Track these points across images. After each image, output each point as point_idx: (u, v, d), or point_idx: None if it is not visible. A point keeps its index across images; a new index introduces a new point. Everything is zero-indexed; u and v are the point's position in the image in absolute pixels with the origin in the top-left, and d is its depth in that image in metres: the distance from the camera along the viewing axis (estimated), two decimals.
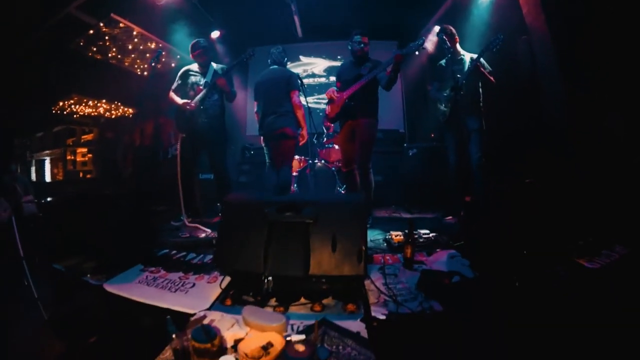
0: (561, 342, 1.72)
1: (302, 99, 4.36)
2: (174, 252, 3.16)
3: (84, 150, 9.48)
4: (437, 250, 3.00)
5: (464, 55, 4.14)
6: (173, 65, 6.78)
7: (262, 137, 4.39)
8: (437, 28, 6.45)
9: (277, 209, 2.11)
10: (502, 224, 2.66)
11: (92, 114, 8.50)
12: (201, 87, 4.17)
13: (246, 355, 1.45)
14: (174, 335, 1.44)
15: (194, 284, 2.42)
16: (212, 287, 2.34)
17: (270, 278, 2.04)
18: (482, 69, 3.92)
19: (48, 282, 2.71)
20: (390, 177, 5.25)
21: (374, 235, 3.53)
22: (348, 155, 4.18)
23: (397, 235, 3.26)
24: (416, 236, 3.25)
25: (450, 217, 4.25)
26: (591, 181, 3.24)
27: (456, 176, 4.28)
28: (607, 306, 1.97)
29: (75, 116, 8.16)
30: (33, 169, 8.41)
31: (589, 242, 2.68)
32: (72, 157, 9.41)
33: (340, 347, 1.58)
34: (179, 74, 4.32)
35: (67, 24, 5.08)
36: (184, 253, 3.12)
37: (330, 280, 2.04)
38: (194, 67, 4.31)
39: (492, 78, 3.99)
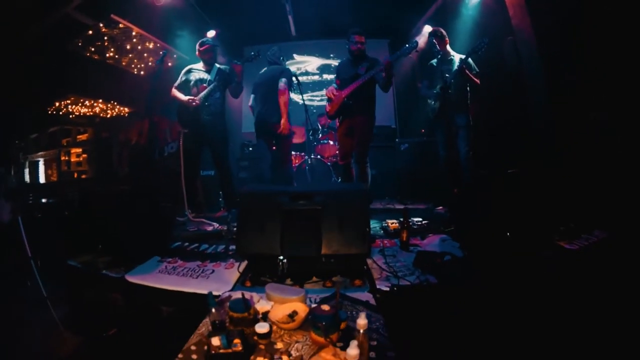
0: (540, 312, 2.02)
1: (294, 95, 4.64)
2: (187, 244, 3.29)
3: (79, 150, 9.37)
4: (430, 235, 3.30)
5: (453, 56, 4.41)
6: (170, 64, 6.91)
7: (255, 132, 4.60)
8: (428, 28, 6.79)
9: (290, 197, 2.37)
10: (488, 210, 2.88)
11: (88, 113, 8.49)
12: (205, 85, 4.28)
13: (277, 321, 1.72)
14: (213, 309, 1.62)
15: (213, 271, 2.61)
16: (230, 272, 2.57)
17: (285, 260, 2.29)
18: (467, 71, 4.19)
19: (57, 281, 2.86)
20: (384, 171, 5.52)
21: (371, 225, 3.77)
22: (345, 150, 4.44)
23: (392, 223, 3.56)
24: (410, 223, 3.48)
25: (440, 208, 4.52)
26: (572, 171, 3.50)
27: (446, 169, 4.57)
28: (584, 282, 2.26)
29: (71, 116, 8.15)
30: (27, 170, 8.43)
31: (570, 228, 2.91)
32: (67, 158, 9.28)
33: (354, 312, 1.85)
34: (183, 71, 4.44)
35: (65, 24, 5.14)
36: (196, 245, 3.26)
37: (339, 259, 2.29)
38: (199, 65, 4.43)
39: (477, 80, 4.27)
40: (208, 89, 4.27)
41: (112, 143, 8.05)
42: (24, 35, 4.68)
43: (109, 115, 8.73)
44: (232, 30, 7.10)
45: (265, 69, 4.72)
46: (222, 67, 4.44)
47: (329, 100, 4.44)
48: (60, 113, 7.98)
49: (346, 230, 2.27)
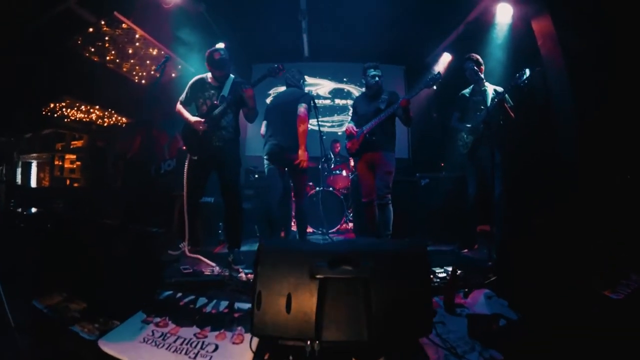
0: None
1: (313, 121, 4.01)
2: (180, 295, 2.54)
3: (73, 157, 8.81)
4: (473, 290, 2.68)
5: (487, 87, 3.88)
6: (173, 75, 6.29)
7: (265, 159, 3.87)
8: (447, 56, 6.30)
9: (330, 261, 1.71)
10: (535, 260, 2.55)
11: (84, 119, 7.93)
12: (217, 102, 3.47)
13: None
14: None
15: (216, 346, 1.89)
16: (240, 351, 1.85)
17: (317, 342, 1.64)
18: (505, 105, 3.69)
19: (25, 321, 2.07)
20: (402, 208, 4.84)
21: None
22: (368, 186, 3.99)
23: None
24: (444, 274, 2.95)
25: (466, 250, 4.01)
26: (599, 214, 3.04)
27: (474, 209, 4.01)
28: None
29: (65, 120, 7.59)
30: (19, 170, 7.79)
31: (607, 273, 2.52)
32: (60, 163, 8.76)
33: None
34: (190, 84, 3.60)
35: (66, 19, 4.59)
36: (192, 297, 2.50)
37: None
38: (209, 77, 3.58)
39: (512, 113, 3.76)
40: (220, 108, 3.46)
41: (107, 153, 7.46)
42: (22, 27, 4.21)
43: (105, 124, 8.04)
44: (241, 45, 6.52)
45: (281, 91, 4.14)
46: (238, 79, 3.63)
47: (349, 137, 4.05)
48: (55, 115, 7.45)
49: (403, 306, 1.64)
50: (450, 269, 2.98)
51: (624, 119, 3.44)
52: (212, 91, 3.54)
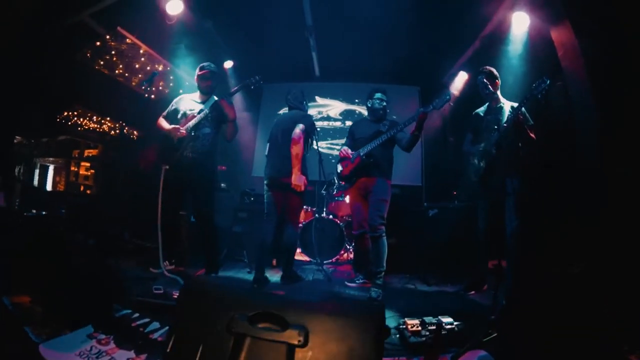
0: None
1: (313, 142, 3.78)
2: (136, 315, 2.43)
3: (87, 164, 8.99)
4: (465, 353, 2.09)
5: (503, 104, 3.41)
6: (181, 91, 6.23)
7: (265, 183, 3.72)
8: (463, 75, 5.84)
9: (251, 316, 1.29)
10: (551, 322, 2.05)
11: (97, 129, 8.05)
12: (194, 115, 3.46)
13: None
14: None
15: None
16: None
17: None
18: (521, 121, 3.16)
19: None
20: (406, 240, 4.39)
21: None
22: (360, 215, 3.61)
23: (413, 327, 2.38)
24: (434, 326, 2.37)
25: (473, 292, 3.49)
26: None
27: (484, 245, 3.49)
28: None
29: (79, 128, 7.69)
30: (37, 172, 7.92)
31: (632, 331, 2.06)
32: (76, 169, 8.98)
33: None
34: (175, 99, 3.66)
35: (79, 30, 4.61)
36: (146, 320, 2.38)
37: None
38: (194, 95, 3.64)
39: (532, 134, 3.23)
40: (196, 118, 3.43)
41: (119, 164, 7.42)
42: (37, 34, 4.16)
43: (118, 136, 8.10)
44: (250, 64, 6.28)
45: (283, 114, 4.01)
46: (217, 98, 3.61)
47: (344, 159, 3.75)
48: (70, 123, 7.53)
49: None
50: (445, 320, 2.47)
51: None
52: (193, 106, 3.55)
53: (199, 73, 3.56)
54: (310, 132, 3.64)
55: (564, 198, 3.70)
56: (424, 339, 2.28)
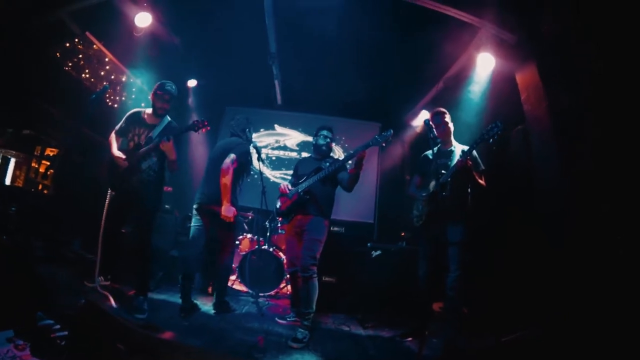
0: None
1: (270, 171, 3.72)
2: (58, 326, 2.26)
3: (48, 163, 8.59)
4: None
5: (454, 148, 3.32)
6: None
7: (194, 208, 3.59)
8: (425, 114, 5.78)
9: None
10: None
11: (60, 129, 7.69)
12: (142, 143, 3.30)
13: None
14: None
15: None
16: None
17: None
18: (470, 166, 3.03)
19: None
20: (347, 280, 4.26)
21: None
22: (293, 253, 3.47)
23: None
24: None
25: (410, 338, 3.32)
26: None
27: (424, 293, 3.33)
28: None
29: (43, 125, 7.42)
30: None
31: None
32: (37, 166, 8.56)
33: None
34: (126, 115, 3.45)
35: (56, 28, 4.49)
36: (65, 333, 2.21)
37: None
38: (147, 114, 3.42)
39: (482, 181, 3.13)
40: (143, 150, 3.25)
41: (79, 169, 7.02)
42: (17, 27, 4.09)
43: (80, 140, 7.74)
44: (214, 85, 6.24)
45: (222, 140, 3.89)
46: (172, 124, 3.43)
47: (282, 194, 3.61)
48: (35, 118, 7.19)
49: None
50: None
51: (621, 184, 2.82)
52: (144, 128, 3.37)
53: (158, 92, 3.34)
54: (244, 162, 3.53)
55: (512, 249, 3.59)
56: None
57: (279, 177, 6.93)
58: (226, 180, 3.34)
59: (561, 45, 3.33)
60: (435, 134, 3.19)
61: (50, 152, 8.48)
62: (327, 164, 3.40)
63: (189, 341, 2.61)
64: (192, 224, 3.54)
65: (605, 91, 2.94)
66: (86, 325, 1.28)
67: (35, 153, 8.37)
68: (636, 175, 2.67)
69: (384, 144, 3.09)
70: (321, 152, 3.61)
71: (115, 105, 6.25)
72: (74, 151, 7.77)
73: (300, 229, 3.40)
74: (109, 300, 3.07)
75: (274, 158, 7.01)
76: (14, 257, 2.54)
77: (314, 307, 3.14)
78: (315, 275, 3.19)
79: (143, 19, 4.45)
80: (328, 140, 3.60)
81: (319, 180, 3.34)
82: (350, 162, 3.29)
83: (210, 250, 3.59)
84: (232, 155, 3.41)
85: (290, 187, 3.57)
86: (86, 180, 6.62)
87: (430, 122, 3.14)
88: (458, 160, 3.04)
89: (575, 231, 3.01)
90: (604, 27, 2.94)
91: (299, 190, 3.41)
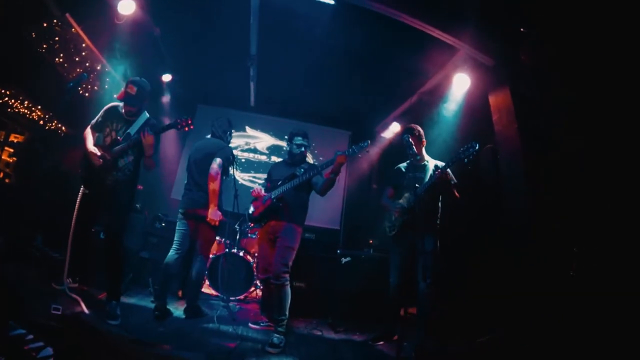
0: None
1: (239, 173, 3.67)
2: (31, 337, 2.06)
3: (11, 150, 8.03)
4: None
5: (427, 162, 3.45)
6: (115, 96, 5.88)
7: (180, 212, 3.56)
8: (396, 126, 5.94)
9: None
10: None
11: (27, 115, 7.21)
12: (120, 139, 3.12)
13: None
14: None
15: None
16: None
17: None
18: (448, 179, 3.20)
19: None
20: (317, 285, 4.33)
21: None
22: (266, 260, 3.43)
23: None
24: None
25: (381, 342, 3.45)
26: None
27: (394, 299, 3.45)
28: None
29: (8, 109, 6.93)
30: None
31: None
32: None
33: None
34: (104, 109, 3.26)
35: (34, 6, 4.28)
36: (40, 344, 2.02)
37: None
38: (122, 108, 3.24)
39: (457, 193, 3.28)
40: (120, 147, 3.10)
41: (43, 160, 6.69)
42: None
43: (47, 127, 7.30)
44: (188, 81, 6.12)
45: (202, 140, 3.80)
46: (151, 121, 3.26)
47: (255, 199, 3.57)
48: (0, 101, 6.66)
49: None
50: None
51: (578, 201, 3.14)
52: (121, 124, 3.20)
53: (130, 89, 3.12)
54: (227, 166, 3.56)
55: (481, 260, 3.80)
56: None
57: (248, 180, 6.93)
58: (215, 185, 3.39)
59: (536, 73, 3.55)
60: (415, 151, 3.32)
61: (14, 137, 7.97)
62: (302, 170, 3.39)
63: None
64: (178, 228, 3.50)
65: (576, 119, 3.19)
66: (71, 343, 1.20)
67: None
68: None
69: (359, 155, 3.19)
70: (295, 159, 3.57)
71: (87, 94, 5.95)
72: (35, 137, 7.37)
73: (274, 235, 3.39)
74: (80, 305, 2.90)
75: (243, 160, 6.94)
76: None
77: (287, 313, 3.16)
78: (288, 282, 3.20)
79: (126, 7, 4.24)
80: (302, 148, 3.55)
81: (292, 187, 3.33)
82: (326, 168, 3.28)
83: (190, 254, 3.56)
84: (219, 160, 3.42)
85: (263, 192, 3.53)
86: (49, 171, 6.32)
87: (410, 138, 3.33)
88: (438, 171, 3.15)
89: (534, 246, 3.26)
90: (579, 59, 3.17)
91: (272, 197, 3.38)
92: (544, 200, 3.34)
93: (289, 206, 3.36)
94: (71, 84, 3.40)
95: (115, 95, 3.30)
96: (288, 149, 3.64)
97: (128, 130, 3.13)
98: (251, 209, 3.59)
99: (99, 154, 3.06)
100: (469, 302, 3.70)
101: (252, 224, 4.62)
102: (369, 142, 3.17)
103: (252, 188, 3.69)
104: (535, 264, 3.21)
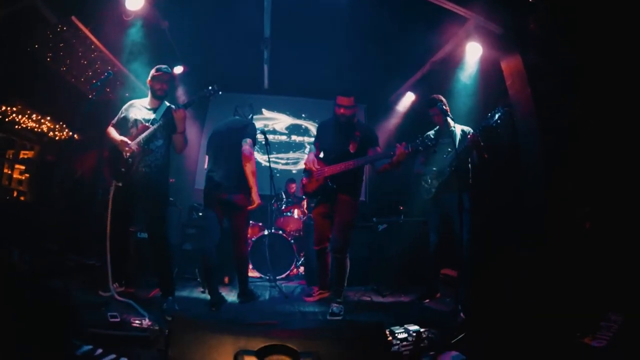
0: None
1: (261, 156, 3.61)
2: (100, 351, 1.91)
3: (22, 167, 7.93)
4: (437, 355, 2.16)
5: (454, 128, 3.55)
6: (127, 95, 5.72)
7: (204, 197, 3.44)
8: (410, 96, 6.04)
9: (259, 352, 1.18)
10: (506, 311, 2.35)
11: (35, 129, 7.09)
12: (146, 125, 3.05)
13: None
14: None
15: None
16: None
17: None
18: (480, 142, 3.32)
19: None
20: (357, 255, 4.28)
21: None
22: (321, 233, 3.44)
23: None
24: (405, 334, 2.35)
25: (428, 300, 3.62)
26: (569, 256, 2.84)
27: (436, 258, 3.65)
28: None
29: (16, 126, 6.77)
30: None
31: (585, 316, 2.29)
32: (10, 172, 7.85)
33: None
34: (125, 106, 3.24)
35: (28, 16, 4.09)
36: (113, 356, 1.89)
37: None
38: (144, 101, 3.23)
39: (486, 154, 3.43)
40: (149, 130, 3.01)
41: (55, 170, 6.61)
42: None
43: (57, 137, 7.21)
44: (200, 70, 6.03)
45: (226, 119, 3.66)
46: (173, 106, 3.17)
47: (308, 173, 3.38)
48: (7, 119, 6.54)
49: None
50: (411, 328, 2.47)
51: (591, 160, 3.25)
52: (144, 114, 3.15)
53: (155, 74, 3.13)
54: (256, 142, 3.47)
55: (507, 214, 4.00)
56: (396, 347, 2.26)
57: (272, 161, 6.86)
58: (252, 165, 3.22)
59: (545, 39, 3.66)
60: (445, 119, 3.36)
61: (24, 154, 7.84)
62: (356, 146, 3.19)
63: None
64: (203, 215, 3.43)
65: (584, 81, 3.31)
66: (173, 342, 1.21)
67: (8, 157, 7.72)
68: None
69: (421, 148, 3.07)
70: (339, 122, 3.32)
71: (90, 97, 5.90)
72: (47, 149, 7.28)
73: (330, 209, 3.32)
74: (133, 309, 2.71)
75: (263, 142, 7.17)
76: (19, 279, 2.03)
77: (345, 284, 3.23)
78: (348, 254, 3.22)
79: (135, 2, 4.12)
80: (342, 109, 3.27)
81: (347, 169, 3.14)
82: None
83: (227, 240, 3.46)
84: (249, 140, 3.25)
85: (316, 164, 3.28)
86: (63, 180, 6.26)
87: (444, 107, 3.45)
88: (471, 135, 3.31)
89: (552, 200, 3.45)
90: (585, 25, 3.25)
91: (326, 175, 3.21)
92: (562, 160, 3.48)
93: (344, 182, 3.21)
94: (97, 83, 3.33)
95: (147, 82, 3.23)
96: (334, 112, 3.36)
97: (154, 117, 3.10)
98: (304, 181, 3.44)
99: (129, 142, 2.99)
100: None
101: (304, 197, 4.55)
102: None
103: (275, 169, 3.63)
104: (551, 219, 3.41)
